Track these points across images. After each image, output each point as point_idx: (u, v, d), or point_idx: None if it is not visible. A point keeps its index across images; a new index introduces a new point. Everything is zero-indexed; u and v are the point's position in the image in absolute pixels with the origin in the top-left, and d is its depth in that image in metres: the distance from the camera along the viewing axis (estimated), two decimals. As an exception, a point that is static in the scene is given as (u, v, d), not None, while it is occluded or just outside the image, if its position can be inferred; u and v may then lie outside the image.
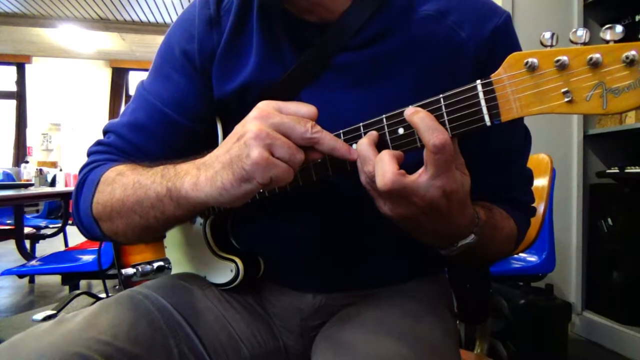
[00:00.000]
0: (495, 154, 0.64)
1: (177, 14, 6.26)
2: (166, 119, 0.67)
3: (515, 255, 1.79)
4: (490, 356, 0.96)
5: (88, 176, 0.67)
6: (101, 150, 0.70)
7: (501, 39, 0.59)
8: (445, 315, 0.69)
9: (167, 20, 6.35)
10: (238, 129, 0.49)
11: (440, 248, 0.55)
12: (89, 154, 0.72)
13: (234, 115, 0.59)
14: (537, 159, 1.07)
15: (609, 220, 2.19)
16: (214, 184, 0.49)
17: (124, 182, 0.60)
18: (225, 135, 0.65)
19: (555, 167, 1.18)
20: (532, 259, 1.81)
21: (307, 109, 0.50)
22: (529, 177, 0.69)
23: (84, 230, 0.67)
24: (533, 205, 0.70)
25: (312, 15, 0.63)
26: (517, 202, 0.67)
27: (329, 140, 0.49)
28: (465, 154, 0.50)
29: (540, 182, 0.97)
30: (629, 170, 2.11)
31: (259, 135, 0.46)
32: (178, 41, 0.69)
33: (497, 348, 1.70)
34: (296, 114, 0.49)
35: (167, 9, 5.96)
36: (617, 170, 2.17)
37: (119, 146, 0.69)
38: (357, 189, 0.55)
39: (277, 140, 0.46)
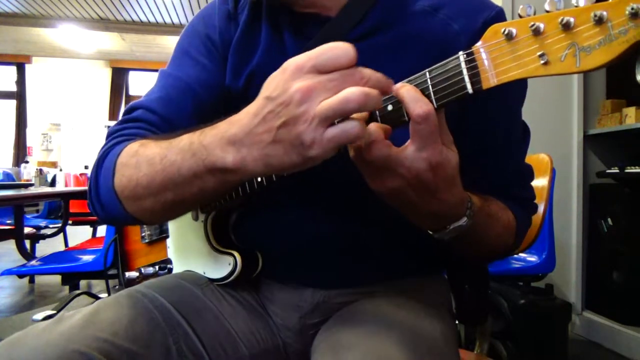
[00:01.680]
0: (493, 145, 0.65)
1: (177, 14, 6.29)
2: (195, 96, 0.68)
3: (515, 255, 1.79)
4: (490, 356, 0.96)
5: (111, 150, 0.62)
6: (128, 127, 0.66)
7: None
8: (444, 314, 0.69)
9: (167, 20, 6.36)
10: (279, 110, 0.43)
11: (433, 231, 0.55)
12: (111, 133, 0.66)
13: (236, 107, 0.52)
14: (537, 159, 1.07)
15: (609, 220, 2.19)
16: (268, 165, 0.45)
17: (148, 156, 0.56)
18: None
19: (555, 167, 1.18)
20: (532, 259, 1.81)
21: (342, 51, 0.43)
22: (528, 172, 0.70)
23: (101, 211, 0.62)
24: (534, 202, 0.70)
25: (312, 11, 0.67)
26: (517, 197, 0.67)
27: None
28: (462, 146, 0.51)
29: (540, 182, 0.97)
30: (629, 170, 2.11)
31: (312, 121, 0.42)
32: (203, 29, 0.73)
33: (497, 348, 1.70)
34: (335, 65, 0.43)
35: (167, 9, 5.97)
36: (617, 170, 2.17)
37: (149, 119, 0.66)
38: (357, 184, 0.56)
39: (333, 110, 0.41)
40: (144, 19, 6.31)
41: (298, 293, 0.70)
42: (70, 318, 0.57)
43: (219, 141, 0.48)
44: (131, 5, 5.80)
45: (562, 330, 1.89)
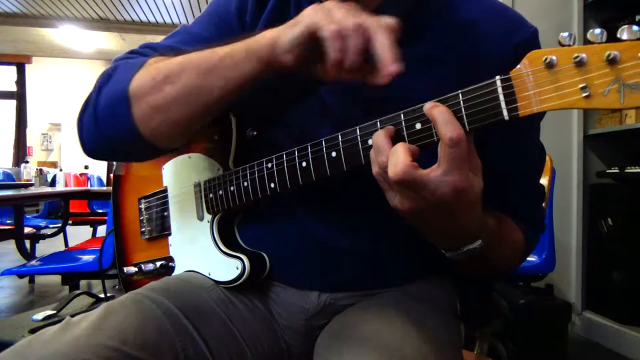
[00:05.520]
0: (512, 167, 0.64)
1: (177, 14, 6.29)
2: None
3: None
4: (490, 356, 0.96)
5: (125, 61, 0.64)
6: (131, 57, 0.68)
7: (525, 53, 0.59)
8: (449, 316, 0.69)
9: (167, 20, 6.35)
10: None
11: (445, 250, 0.55)
12: (117, 60, 0.67)
13: (248, 97, 0.62)
14: (537, 159, 1.07)
15: (609, 220, 2.19)
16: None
17: (181, 57, 0.60)
18: (238, 125, 0.72)
19: (555, 167, 1.18)
20: (532, 259, 1.81)
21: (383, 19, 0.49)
22: (541, 193, 0.70)
23: (94, 126, 0.62)
24: (544, 222, 0.71)
25: None
26: (529, 218, 0.67)
27: (386, 41, 0.48)
28: (484, 165, 0.50)
29: (540, 182, 0.97)
30: (629, 170, 2.11)
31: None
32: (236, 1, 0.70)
33: (497, 348, 1.70)
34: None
35: (167, 9, 5.96)
36: (617, 170, 2.17)
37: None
38: (365, 188, 0.55)
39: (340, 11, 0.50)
40: (144, 19, 6.31)
41: (304, 295, 0.70)
42: (78, 325, 0.56)
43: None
44: (131, 5, 5.80)
45: (562, 330, 1.89)
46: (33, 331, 1.38)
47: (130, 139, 0.61)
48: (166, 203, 0.85)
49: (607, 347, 2.12)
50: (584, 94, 0.40)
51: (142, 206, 0.90)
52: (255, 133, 0.72)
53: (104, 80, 0.62)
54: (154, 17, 6.24)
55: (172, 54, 0.62)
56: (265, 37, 0.54)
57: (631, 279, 2.07)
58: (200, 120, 0.62)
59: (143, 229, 0.89)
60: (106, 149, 0.66)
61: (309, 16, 0.50)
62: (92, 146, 0.65)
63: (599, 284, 2.24)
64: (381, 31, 0.48)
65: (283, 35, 0.52)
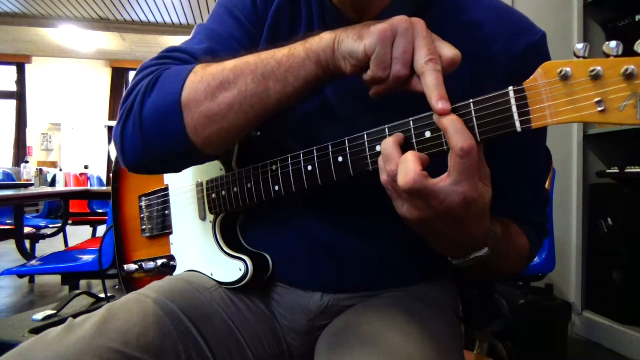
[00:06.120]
0: (518, 175, 0.64)
1: (177, 14, 6.29)
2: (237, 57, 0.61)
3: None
4: (490, 356, 0.96)
5: (166, 71, 0.59)
6: (169, 63, 0.62)
7: (533, 57, 0.57)
8: (450, 317, 0.69)
9: (167, 20, 6.35)
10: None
11: (452, 258, 0.55)
12: (148, 66, 0.62)
13: None
14: (538, 158, 1.07)
15: (609, 220, 2.19)
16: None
17: (233, 61, 0.56)
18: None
19: (555, 167, 1.18)
20: (532, 259, 1.81)
21: (451, 51, 0.48)
22: (546, 198, 0.70)
23: (140, 135, 0.58)
24: (547, 226, 0.71)
25: (349, 10, 0.62)
26: (533, 223, 0.67)
27: (433, 81, 0.46)
28: (491, 171, 0.49)
29: (540, 182, 0.97)
30: (629, 170, 2.11)
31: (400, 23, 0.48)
32: None
33: (497, 348, 1.70)
34: (437, 48, 0.48)
35: (167, 9, 5.96)
36: (617, 170, 2.17)
37: (191, 61, 0.63)
38: (370, 192, 0.55)
39: (403, 39, 0.48)
40: (144, 19, 6.31)
41: (307, 296, 0.70)
42: (80, 326, 0.56)
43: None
44: (131, 5, 5.80)
45: (562, 330, 1.89)
46: (33, 331, 1.38)
47: (180, 149, 0.58)
48: (167, 202, 0.85)
49: (607, 347, 2.12)
50: (600, 108, 0.39)
51: (143, 204, 0.90)
52: (259, 133, 0.71)
53: (147, 89, 0.58)
54: (154, 17, 6.24)
55: (213, 59, 0.60)
56: (324, 40, 0.52)
57: (631, 279, 2.07)
58: (254, 127, 0.59)
59: (144, 227, 0.89)
60: (152, 161, 0.62)
61: (373, 37, 0.48)
62: (136, 158, 0.61)
63: (599, 284, 2.24)
64: (430, 72, 0.46)
65: (345, 41, 0.51)
